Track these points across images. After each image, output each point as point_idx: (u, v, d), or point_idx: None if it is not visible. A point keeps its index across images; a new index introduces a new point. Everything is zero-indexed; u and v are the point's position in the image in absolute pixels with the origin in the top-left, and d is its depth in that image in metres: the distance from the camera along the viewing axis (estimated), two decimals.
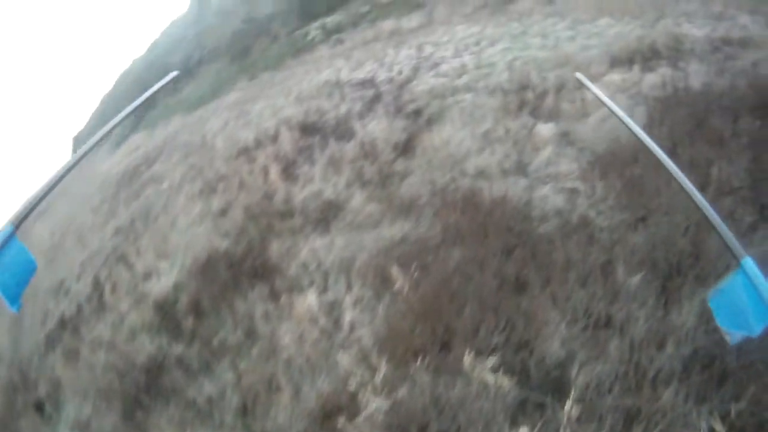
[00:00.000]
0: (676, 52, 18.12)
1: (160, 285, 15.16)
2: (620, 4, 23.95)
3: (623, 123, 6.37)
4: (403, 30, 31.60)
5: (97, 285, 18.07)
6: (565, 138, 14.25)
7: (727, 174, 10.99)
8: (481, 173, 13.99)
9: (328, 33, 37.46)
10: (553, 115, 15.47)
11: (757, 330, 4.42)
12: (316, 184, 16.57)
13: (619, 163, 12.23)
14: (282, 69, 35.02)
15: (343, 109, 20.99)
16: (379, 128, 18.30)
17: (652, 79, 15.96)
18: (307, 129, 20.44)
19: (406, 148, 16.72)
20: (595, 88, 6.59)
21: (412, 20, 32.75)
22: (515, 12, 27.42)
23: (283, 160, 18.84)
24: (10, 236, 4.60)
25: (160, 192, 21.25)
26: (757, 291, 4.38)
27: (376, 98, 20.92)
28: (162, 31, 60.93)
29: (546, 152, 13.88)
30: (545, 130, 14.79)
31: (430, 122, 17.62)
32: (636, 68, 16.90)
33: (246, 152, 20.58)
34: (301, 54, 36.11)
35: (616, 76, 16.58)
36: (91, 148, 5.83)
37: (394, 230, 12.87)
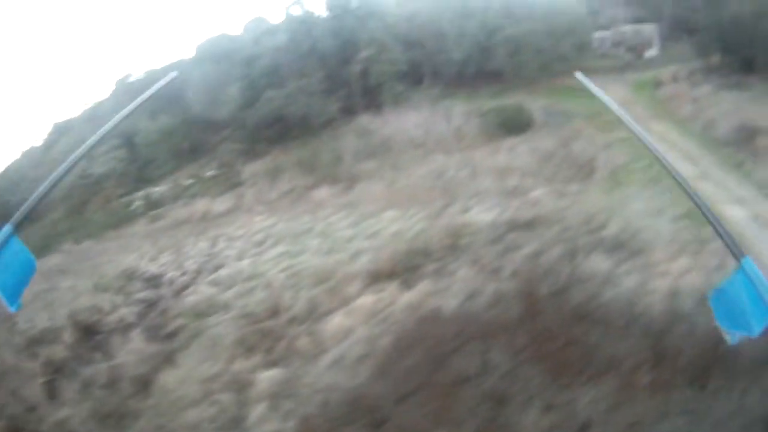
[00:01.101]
0: (451, 251, 18.41)
1: None
2: (413, 191, 24.92)
3: (625, 124, 6.41)
4: (212, 214, 32.57)
5: None
6: (287, 387, 13.89)
7: None
8: (194, 429, 13.64)
9: (150, 205, 38.01)
10: (286, 355, 15.26)
11: (756, 330, 4.42)
12: (65, 409, 16.31)
13: (329, 427, 11.78)
14: (102, 240, 35.52)
15: (121, 313, 21.17)
16: (135, 350, 18.32)
17: (408, 300, 15.96)
18: (87, 331, 20.64)
19: (146, 383, 16.42)
20: (594, 88, 6.66)
21: (225, 202, 33.71)
22: (313, 201, 28.48)
23: (52, 368, 18.77)
24: (10, 236, 4.59)
25: None
26: (757, 291, 4.40)
27: (153, 305, 21.24)
28: (12, 163, 59.44)
29: (261, 407, 13.45)
30: (268, 378, 14.47)
31: (176, 352, 17.56)
32: (395, 284, 17.00)
33: (32, 345, 20.54)
34: (122, 226, 36.71)
35: (369, 298, 16.56)
36: (87, 151, 5.85)
37: None
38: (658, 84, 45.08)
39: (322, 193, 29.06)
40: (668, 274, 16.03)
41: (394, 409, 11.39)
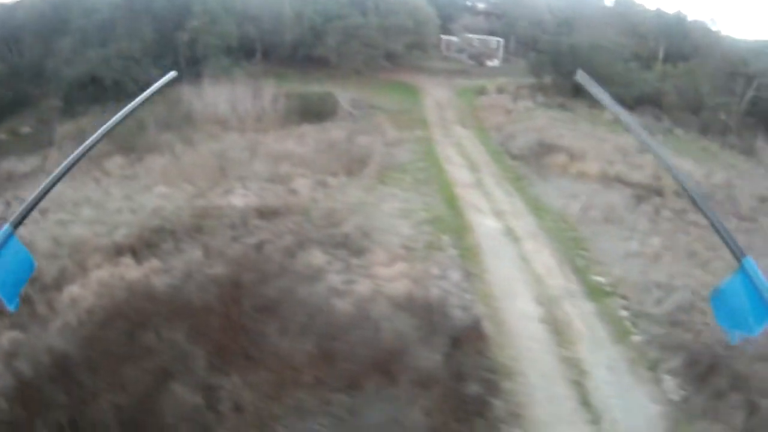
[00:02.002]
0: (193, 231, 19.56)
1: None
2: (192, 169, 25.73)
3: (623, 122, 6.32)
4: (16, 174, 32.07)
5: None
6: (19, 348, 14.61)
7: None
8: None
9: None
10: (29, 319, 15.85)
11: (756, 330, 4.39)
12: None
13: (37, 385, 12.66)
14: None
15: None
16: None
17: (134, 275, 16.98)
18: None
19: None
20: (593, 87, 6.43)
21: (31, 162, 33.27)
22: (104, 169, 28.75)
23: None
24: (9, 236, 4.51)
25: None
26: (758, 291, 4.36)
27: None
28: None
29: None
30: (8, 339, 15.11)
31: None
32: (130, 260, 17.99)
33: None
34: None
35: (105, 272, 17.46)
36: (87, 150, 5.56)
37: None
38: (482, 92, 47.30)
39: (115, 161, 29.43)
40: (377, 278, 16.92)
41: (86, 374, 12.23)
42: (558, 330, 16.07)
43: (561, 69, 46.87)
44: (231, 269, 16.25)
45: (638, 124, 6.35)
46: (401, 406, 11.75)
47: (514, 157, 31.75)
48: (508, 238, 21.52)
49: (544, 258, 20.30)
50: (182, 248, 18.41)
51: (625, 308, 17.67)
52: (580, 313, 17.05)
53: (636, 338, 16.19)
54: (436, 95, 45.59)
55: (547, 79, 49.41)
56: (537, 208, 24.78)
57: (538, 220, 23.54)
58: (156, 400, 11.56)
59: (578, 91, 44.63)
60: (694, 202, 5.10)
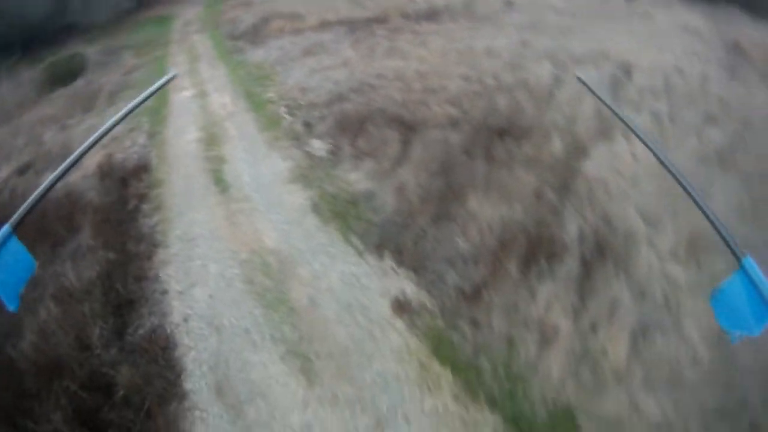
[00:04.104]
0: None
1: None
2: None
3: (623, 121, 6.36)
4: None
5: None
6: None
7: None
8: None
9: None
10: None
11: (757, 330, 4.46)
12: None
13: None
14: None
15: None
16: None
17: None
18: None
19: None
20: (594, 88, 6.46)
21: None
22: None
23: None
24: (9, 237, 4.75)
25: None
26: (758, 290, 4.41)
27: None
28: None
29: None
30: None
31: None
32: None
33: None
34: None
35: None
36: (88, 149, 6.00)
37: None
38: None
39: None
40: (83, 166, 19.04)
41: None
42: (210, 142, 18.65)
43: None
44: None
45: (641, 128, 6.36)
46: (81, 234, 14.56)
47: (235, 38, 33.66)
48: (197, 98, 23.73)
49: (223, 99, 22.62)
50: None
51: (287, 107, 19.92)
52: (237, 125, 19.50)
53: (286, 123, 18.57)
54: (188, 16, 46.27)
55: None
56: (235, 68, 27.10)
57: (231, 76, 25.82)
58: None
59: None
60: (691, 198, 5.20)
